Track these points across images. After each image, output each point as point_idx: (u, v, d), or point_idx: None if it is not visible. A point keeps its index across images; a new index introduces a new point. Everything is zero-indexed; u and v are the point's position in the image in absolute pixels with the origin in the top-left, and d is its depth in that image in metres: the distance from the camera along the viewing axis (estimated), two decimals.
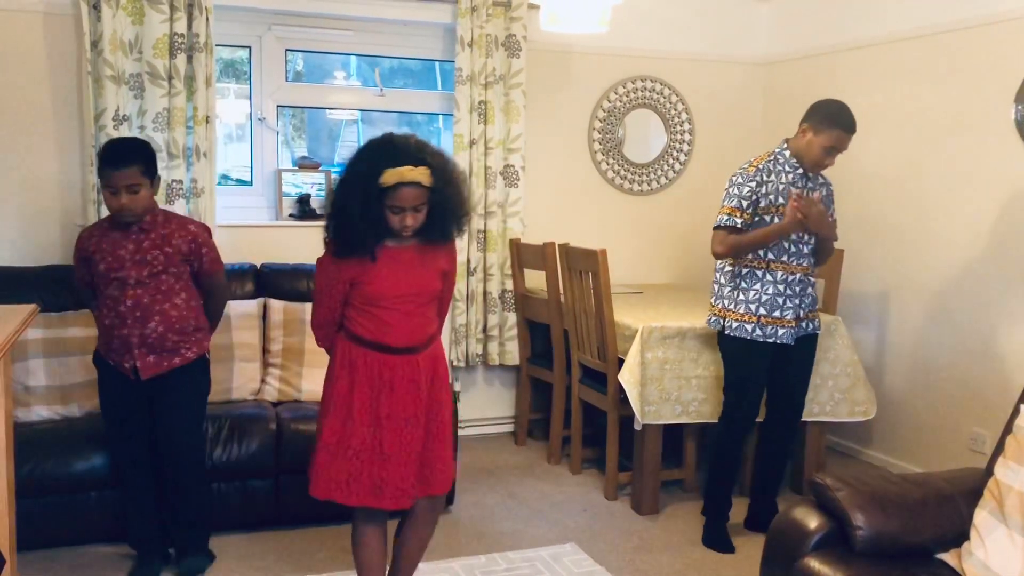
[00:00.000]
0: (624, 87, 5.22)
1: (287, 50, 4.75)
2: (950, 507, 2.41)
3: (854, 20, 4.78)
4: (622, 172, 5.28)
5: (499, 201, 4.80)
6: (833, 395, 4.05)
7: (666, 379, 3.82)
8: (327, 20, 4.67)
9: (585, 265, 4.08)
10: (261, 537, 3.58)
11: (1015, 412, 2.43)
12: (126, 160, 2.95)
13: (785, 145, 3.49)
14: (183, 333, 3.11)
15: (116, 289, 3.02)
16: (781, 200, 3.42)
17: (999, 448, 2.42)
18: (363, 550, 2.73)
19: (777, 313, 3.46)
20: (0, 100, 4.07)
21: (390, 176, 2.42)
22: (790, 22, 5.29)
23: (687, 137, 5.39)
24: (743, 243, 3.42)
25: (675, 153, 5.38)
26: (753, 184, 3.41)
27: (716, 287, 3.60)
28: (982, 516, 2.31)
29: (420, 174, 2.44)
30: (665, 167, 5.37)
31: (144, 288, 3.03)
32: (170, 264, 3.07)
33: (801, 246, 3.48)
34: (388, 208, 2.47)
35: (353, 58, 5.07)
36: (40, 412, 3.57)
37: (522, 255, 4.74)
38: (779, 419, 3.70)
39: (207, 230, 3.22)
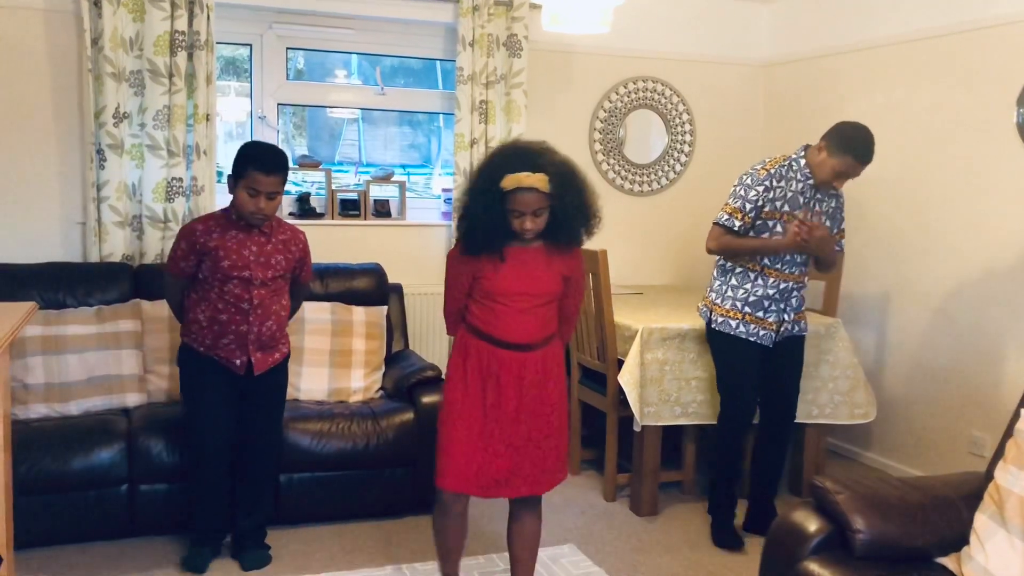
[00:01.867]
0: (625, 87, 5.22)
1: (288, 48, 4.74)
2: (950, 511, 2.40)
3: (856, 22, 4.77)
4: (623, 172, 5.28)
5: None
6: (833, 398, 4.04)
7: (666, 380, 3.82)
8: (328, 19, 4.67)
9: (585, 265, 4.06)
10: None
11: (1015, 416, 2.42)
12: (277, 168, 3.09)
13: (803, 153, 3.47)
14: (283, 331, 3.32)
15: (239, 287, 3.13)
16: (787, 207, 3.41)
17: (999, 452, 2.42)
18: (446, 529, 2.84)
19: (760, 314, 3.49)
20: (0, 97, 4.06)
21: (509, 181, 2.55)
22: (791, 24, 5.28)
23: (688, 138, 5.39)
24: (736, 247, 3.44)
25: (676, 154, 5.38)
26: (761, 188, 3.40)
27: (711, 280, 3.63)
28: (982, 520, 2.30)
29: (537, 180, 2.54)
30: (666, 168, 5.36)
31: (267, 289, 3.18)
32: (288, 268, 3.26)
33: (796, 255, 3.49)
34: (509, 211, 2.58)
35: (354, 57, 5.07)
36: (38, 410, 3.56)
37: None
38: (773, 422, 3.70)
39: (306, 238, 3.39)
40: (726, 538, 3.62)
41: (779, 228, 3.42)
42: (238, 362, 3.19)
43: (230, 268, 3.11)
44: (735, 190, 3.46)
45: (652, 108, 5.30)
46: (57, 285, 3.81)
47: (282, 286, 3.27)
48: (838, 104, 4.88)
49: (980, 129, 4.08)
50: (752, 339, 3.49)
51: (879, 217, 4.63)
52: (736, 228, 3.41)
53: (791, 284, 3.50)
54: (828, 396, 4.04)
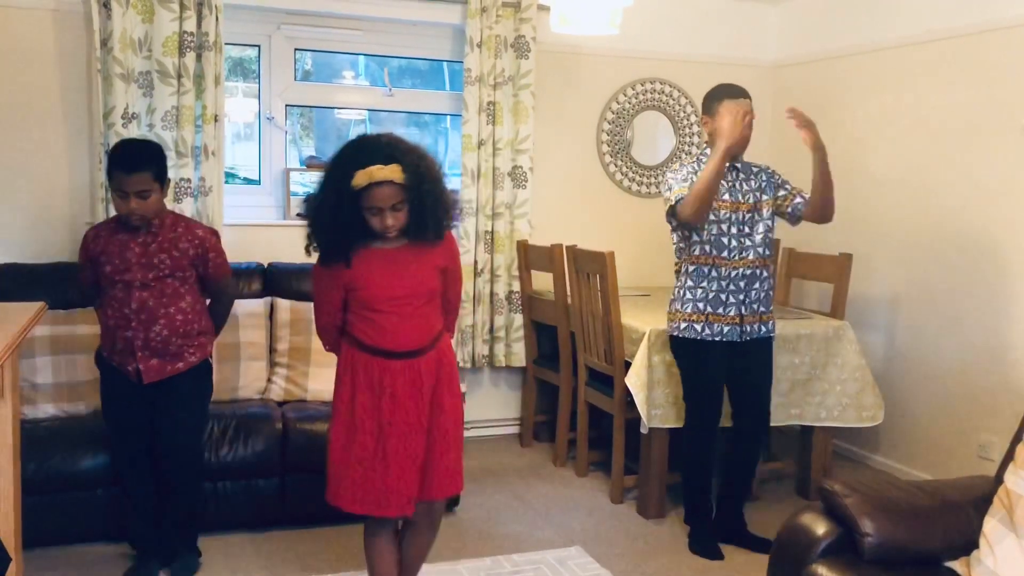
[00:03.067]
0: (633, 89, 5.21)
1: (296, 49, 4.75)
2: (959, 515, 2.39)
3: (864, 24, 4.76)
4: (630, 174, 5.27)
5: (507, 202, 4.80)
6: (841, 400, 4.03)
7: (673, 383, 3.81)
8: (336, 20, 4.67)
9: (592, 267, 4.07)
10: (266, 537, 3.58)
11: None
12: (138, 165, 2.93)
13: (705, 146, 3.54)
14: (187, 337, 3.11)
15: (122, 291, 3.02)
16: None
17: (1009, 456, 2.41)
18: (375, 556, 2.72)
19: (720, 310, 3.46)
20: (9, 97, 4.08)
21: (361, 177, 2.38)
22: (800, 25, 5.27)
23: (696, 140, 5.38)
24: (696, 190, 3.32)
25: (683, 155, 5.37)
26: (684, 171, 3.46)
27: (672, 294, 3.60)
28: (991, 524, 2.29)
29: (391, 172, 2.39)
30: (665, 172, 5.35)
31: (150, 291, 3.03)
32: (176, 268, 3.07)
33: (743, 239, 3.46)
34: (366, 210, 2.43)
35: (362, 58, 5.07)
36: (47, 409, 3.57)
37: (529, 256, 4.73)
38: (744, 429, 3.65)
39: (215, 234, 3.22)
40: (703, 546, 3.58)
41: (713, 217, 3.41)
42: (130, 368, 3.07)
43: (112, 272, 3.02)
44: (669, 181, 3.49)
45: (660, 109, 5.29)
46: (66, 285, 3.80)
47: (173, 287, 3.07)
48: (847, 106, 4.87)
49: (990, 131, 4.07)
50: (717, 339, 3.46)
51: (887, 219, 4.62)
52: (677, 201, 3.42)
53: (746, 271, 3.46)
54: (836, 399, 4.03)
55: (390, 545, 2.72)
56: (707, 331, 3.47)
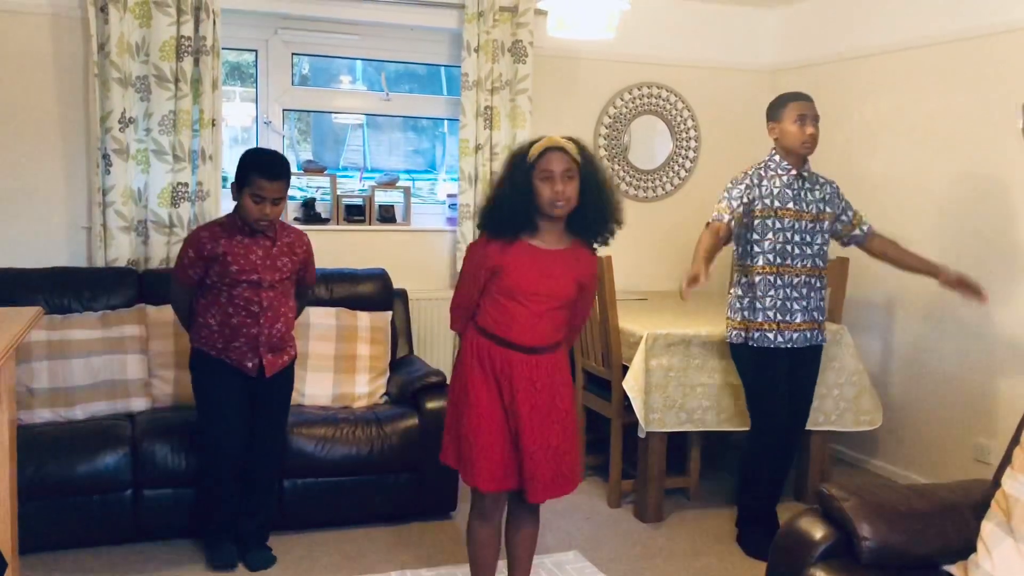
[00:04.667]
0: (630, 93, 5.22)
1: (293, 54, 4.75)
2: (957, 518, 2.39)
3: (861, 29, 4.77)
4: (628, 178, 5.27)
5: None
6: (839, 404, 4.03)
7: (671, 387, 3.81)
8: (334, 24, 4.68)
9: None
10: None
11: (1022, 423, 2.41)
12: (280, 174, 3.16)
13: (773, 151, 3.56)
14: (291, 334, 3.38)
15: (248, 290, 3.18)
16: (778, 203, 3.48)
17: (1006, 459, 2.41)
18: (479, 547, 2.81)
19: (788, 317, 3.50)
20: (7, 102, 4.08)
21: (537, 147, 2.61)
22: (797, 30, 5.28)
23: (693, 144, 5.39)
24: (698, 248, 3.39)
25: (680, 160, 5.38)
26: (743, 187, 3.48)
27: (734, 300, 3.62)
28: (989, 528, 2.29)
29: (565, 142, 2.61)
30: (671, 174, 5.36)
31: (275, 291, 3.25)
32: (293, 270, 3.32)
33: (804, 247, 3.50)
34: (540, 180, 2.57)
35: (359, 62, 5.07)
36: (43, 414, 3.56)
37: None
38: (788, 434, 3.69)
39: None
40: (760, 546, 3.52)
41: (778, 225, 3.46)
42: (250, 364, 3.24)
43: (239, 272, 3.17)
44: (721, 194, 3.53)
45: (657, 114, 5.30)
46: (62, 290, 3.81)
47: (288, 288, 3.33)
48: (844, 110, 4.87)
49: (987, 135, 4.07)
50: (788, 346, 3.51)
51: (885, 222, 4.60)
52: (726, 220, 3.45)
53: (808, 278, 3.52)
54: (834, 403, 4.03)
55: (497, 535, 2.83)
56: (779, 339, 3.50)
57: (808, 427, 4.03)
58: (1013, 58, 3.93)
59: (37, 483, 3.25)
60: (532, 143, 2.66)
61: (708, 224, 3.49)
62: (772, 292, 3.50)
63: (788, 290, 3.50)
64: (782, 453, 3.73)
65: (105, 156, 4.06)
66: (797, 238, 3.48)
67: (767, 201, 3.47)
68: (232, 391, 3.26)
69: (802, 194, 3.51)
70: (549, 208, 2.60)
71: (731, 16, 5.36)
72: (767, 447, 3.64)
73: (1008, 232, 3.98)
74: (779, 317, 3.49)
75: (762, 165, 3.55)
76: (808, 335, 3.56)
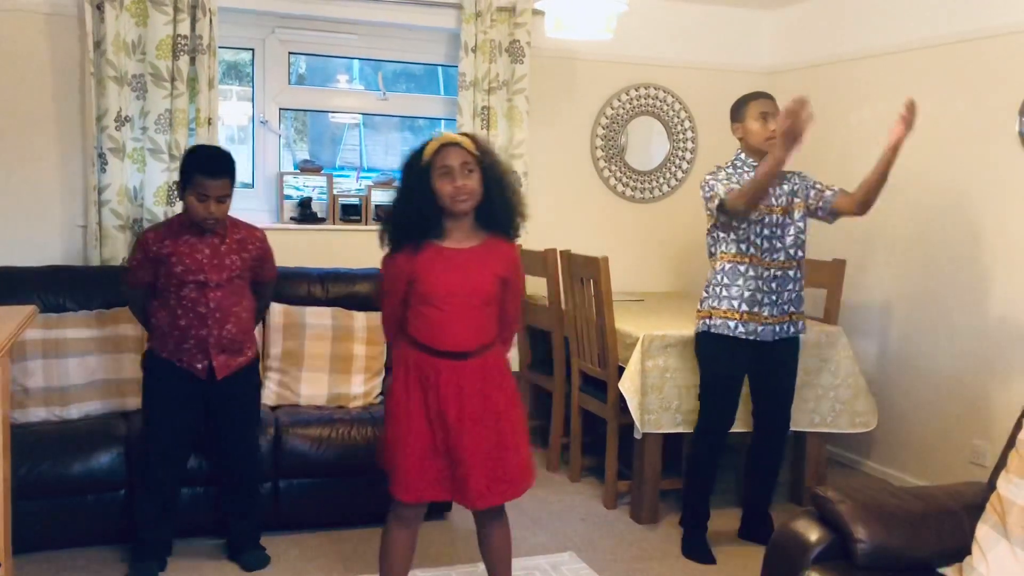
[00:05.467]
0: (627, 94, 5.22)
1: (290, 53, 4.75)
2: (952, 521, 2.39)
3: (858, 31, 4.78)
4: (624, 179, 5.27)
5: None
6: (834, 406, 4.03)
7: (667, 388, 3.81)
8: (331, 23, 4.67)
9: (586, 272, 4.07)
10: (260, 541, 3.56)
11: (1018, 426, 2.41)
12: (222, 171, 3.09)
13: (739, 151, 3.56)
14: (247, 333, 3.28)
15: (195, 291, 3.11)
16: None
17: (1002, 462, 2.41)
18: (390, 553, 2.76)
19: (756, 309, 3.47)
20: (2, 100, 4.06)
21: (431, 145, 2.56)
22: (794, 32, 5.28)
23: (690, 145, 5.39)
24: (756, 181, 3.25)
25: (677, 161, 5.38)
26: (723, 175, 3.47)
27: (703, 292, 3.60)
28: (984, 531, 2.30)
29: (461, 138, 2.58)
30: (667, 175, 5.36)
31: (223, 291, 3.16)
32: (244, 268, 3.23)
33: (774, 241, 3.48)
34: (439, 178, 2.53)
35: (356, 62, 5.07)
36: (38, 413, 3.55)
37: (523, 261, 4.71)
38: (767, 431, 3.68)
39: (267, 238, 3.37)
40: (696, 550, 3.59)
41: (752, 216, 3.44)
42: (200, 366, 3.16)
43: (184, 273, 3.11)
44: (710, 184, 3.47)
45: (654, 115, 5.30)
46: (57, 288, 3.80)
47: (240, 287, 3.24)
48: (841, 112, 4.88)
49: (983, 138, 4.08)
50: (751, 337, 3.47)
51: (881, 225, 4.63)
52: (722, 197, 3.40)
53: (777, 271, 3.49)
54: (829, 405, 4.03)
55: (408, 541, 2.78)
56: (741, 329, 3.47)
57: (803, 429, 4.04)
58: (1010, 61, 3.94)
59: (31, 482, 3.24)
60: (424, 144, 2.61)
61: (725, 199, 3.36)
62: (740, 282, 3.47)
63: (759, 282, 3.46)
64: (768, 451, 3.70)
65: (101, 155, 4.05)
66: (766, 231, 3.47)
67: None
68: (180, 395, 3.19)
69: (772, 189, 3.49)
70: (452, 204, 2.55)
71: (728, 18, 5.37)
72: (712, 447, 3.60)
73: (1005, 234, 3.98)
74: (744, 308, 3.46)
75: (729, 164, 3.54)
76: (778, 329, 3.52)
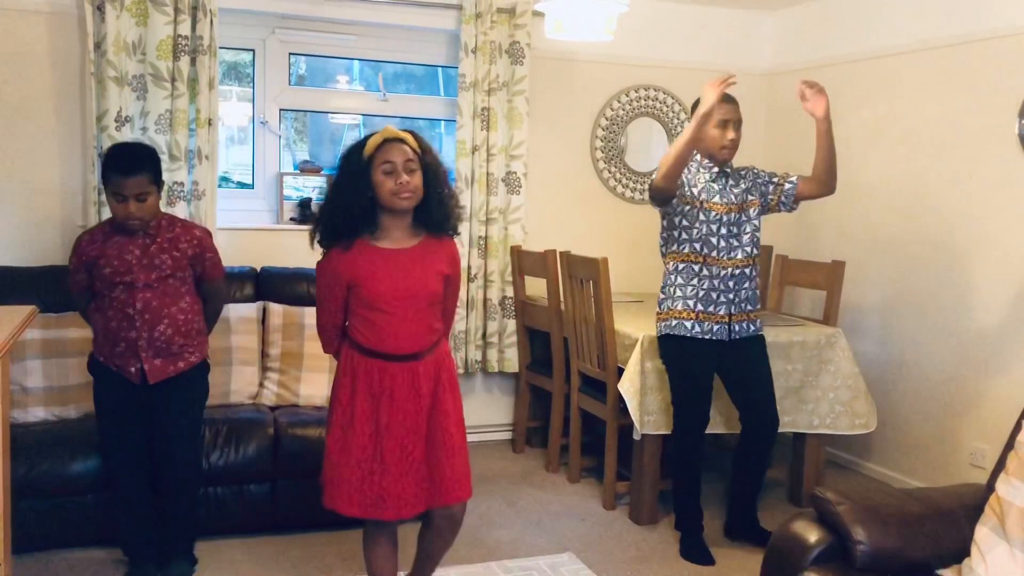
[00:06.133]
0: (627, 96, 5.22)
1: (290, 54, 4.75)
2: (951, 523, 2.39)
3: (858, 33, 4.78)
4: (624, 180, 5.28)
5: (500, 208, 4.80)
6: (833, 407, 4.04)
7: (666, 389, 3.80)
8: (331, 24, 4.67)
9: (586, 273, 4.07)
10: (258, 542, 3.57)
11: (1017, 428, 2.41)
12: (136, 168, 2.93)
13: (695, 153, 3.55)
14: (188, 336, 3.12)
15: (123, 293, 3.01)
16: (704, 196, 3.48)
17: (1000, 464, 2.41)
18: (374, 559, 2.72)
19: (711, 308, 3.48)
20: (2, 100, 4.06)
21: (373, 140, 2.50)
22: (794, 34, 5.29)
23: None
24: (668, 155, 3.33)
25: None
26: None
27: (661, 292, 3.62)
28: (983, 533, 2.30)
29: (404, 134, 2.53)
30: None
31: (153, 291, 3.03)
32: (177, 268, 3.08)
33: (732, 240, 3.49)
34: (382, 175, 2.48)
35: (356, 63, 5.07)
36: (37, 413, 3.55)
37: (523, 262, 4.73)
38: (754, 431, 3.66)
39: (209, 234, 3.24)
40: (694, 552, 3.59)
41: (702, 217, 3.46)
42: (132, 370, 3.06)
43: (112, 275, 3.01)
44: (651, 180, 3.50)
45: (654, 116, 5.30)
46: (57, 288, 3.79)
47: (174, 287, 3.09)
48: (840, 114, 4.87)
49: (982, 140, 4.08)
50: (707, 336, 3.48)
51: (880, 227, 4.64)
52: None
53: (735, 270, 3.49)
54: (828, 406, 4.03)
55: (389, 548, 2.73)
56: (697, 329, 3.48)
57: (802, 430, 4.04)
58: (1009, 62, 3.94)
59: (31, 482, 3.24)
60: (365, 139, 2.53)
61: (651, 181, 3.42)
62: (695, 281, 3.48)
63: (715, 281, 3.48)
64: (754, 450, 3.68)
65: (101, 155, 4.05)
66: (724, 231, 3.48)
67: (694, 191, 3.47)
68: (119, 399, 3.11)
69: (727, 189, 3.52)
70: (394, 201, 2.49)
71: (728, 19, 5.37)
72: (691, 448, 3.59)
73: (1005, 236, 3.99)
74: (700, 307, 3.47)
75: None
76: (737, 328, 3.53)
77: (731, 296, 3.50)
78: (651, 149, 5.33)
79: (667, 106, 5.31)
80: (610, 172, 5.24)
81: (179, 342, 3.10)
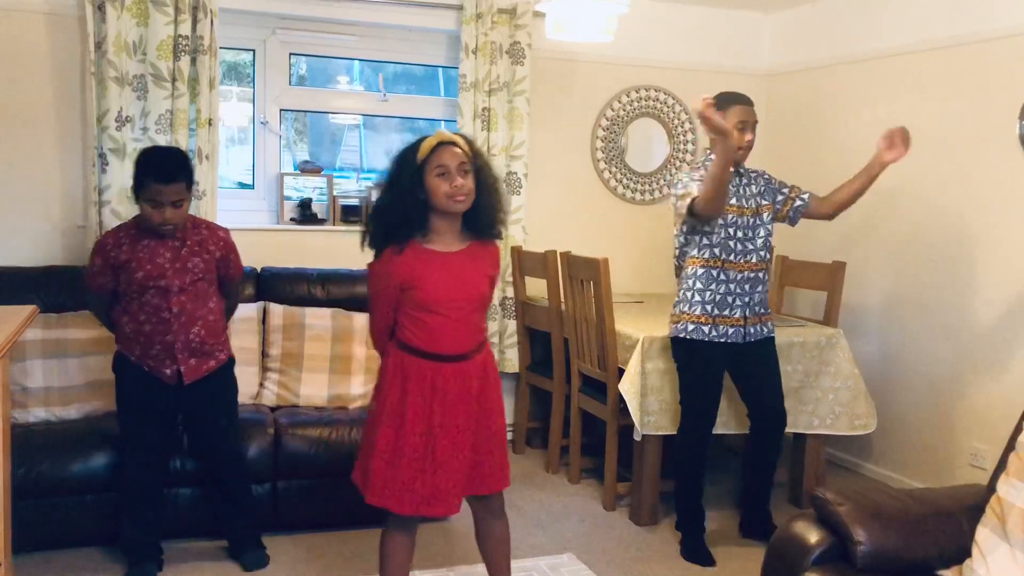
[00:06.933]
0: (628, 96, 5.22)
1: (291, 54, 4.75)
2: (951, 524, 2.39)
3: (858, 33, 4.78)
4: (624, 181, 5.28)
5: None
6: (833, 408, 4.03)
7: (666, 390, 3.81)
8: (331, 25, 4.67)
9: (586, 274, 4.07)
10: None
11: (1018, 429, 2.41)
12: (175, 176, 2.99)
13: (708, 152, 3.56)
14: (216, 335, 3.20)
15: (157, 296, 3.05)
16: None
17: (1001, 465, 2.41)
18: (392, 553, 2.74)
19: (727, 312, 3.49)
20: (3, 100, 4.06)
21: (426, 144, 2.52)
22: (794, 34, 5.29)
23: (690, 147, 5.39)
24: (707, 184, 3.30)
25: (677, 163, 5.38)
26: (696, 175, 3.45)
27: (676, 297, 3.62)
28: (984, 533, 2.30)
29: (457, 137, 2.55)
30: (668, 176, 5.36)
31: (187, 295, 3.09)
32: (208, 270, 3.15)
33: (747, 243, 3.50)
34: (436, 177, 2.50)
35: (356, 63, 5.07)
36: (38, 414, 3.55)
37: (523, 262, 4.73)
38: (762, 430, 3.68)
39: (230, 233, 3.30)
40: (695, 553, 3.59)
41: (720, 220, 3.46)
42: (168, 372, 3.11)
43: (144, 279, 3.03)
44: (682, 182, 3.48)
45: (654, 117, 5.30)
46: (58, 289, 3.80)
47: (205, 289, 3.15)
48: (840, 115, 4.88)
49: (982, 141, 4.08)
50: (722, 340, 3.49)
51: (881, 227, 4.63)
52: (694, 197, 3.39)
53: (751, 274, 3.51)
54: (828, 407, 4.03)
55: (410, 545, 2.76)
56: (714, 332, 3.49)
57: (803, 431, 4.04)
58: (1010, 64, 3.94)
59: (31, 483, 3.24)
60: (418, 142, 2.55)
61: (690, 201, 3.38)
62: (713, 286, 3.49)
63: (731, 285, 3.49)
64: (764, 450, 3.71)
65: (101, 155, 4.05)
66: (740, 234, 3.49)
67: None
68: (150, 398, 3.14)
69: (741, 190, 3.53)
70: (449, 204, 2.51)
71: (728, 20, 5.37)
72: (696, 450, 3.60)
73: (1005, 237, 3.99)
74: (716, 311, 3.48)
75: (701, 165, 3.53)
76: (752, 331, 3.54)
77: (746, 299, 3.52)
78: (651, 149, 5.33)
79: (667, 106, 5.31)
80: (610, 172, 5.24)
81: (210, 342, 3.17)
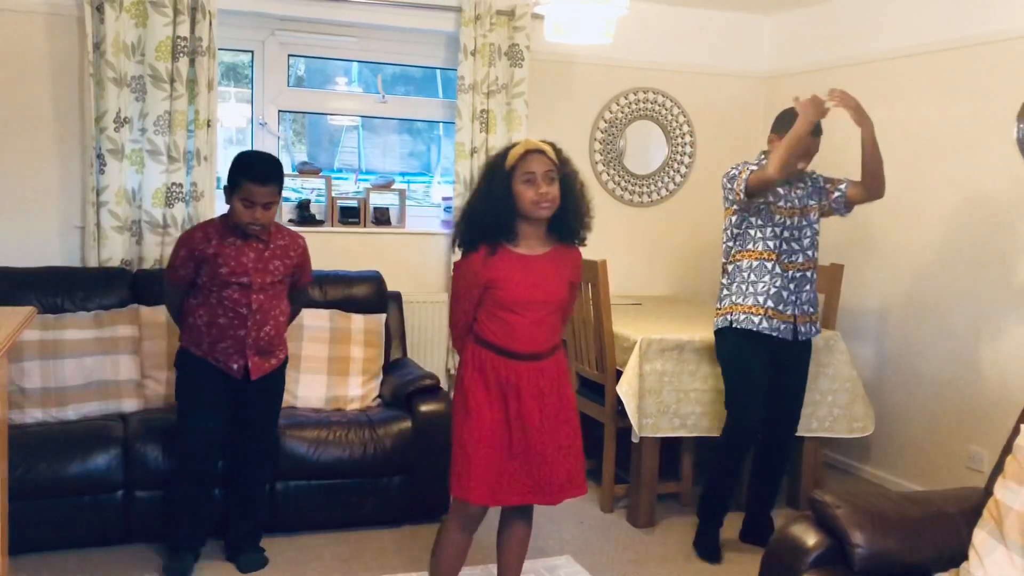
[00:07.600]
0: (626, 98, 5.22)
1: (289, 55, 4.75)
2: (949, 526, 2.39)
3: (857, 36, 4.79)
4: (623, 183, 5.28)
5: None
6: (832, 411, 4.03)
7: (664, 392, 3.81)
8: (330, 26, 4.67)
9: (584, 276, 4.06)
10: None
11: (1015, 432, 2.41)
12: (270, 178, 3.10)
13: (763, 156, 3.55)
14: (280, 336, 3.33)
15: (237, 292, 3.15)
16: (772, 198, 3.48)
17: (998, 468, 2.41)
18: (447, 545, 2.78)
19: (781, 307, 3.50)
20: (1, 100, 4.06)
21: (515, 151, 2.61)
22: (793, 37, 5.29)
23: (688, 149, 5.39)
24: (784, 146, 3.32)
25: (676, 165, 5.38)
26: (754, 167, 3.46)
27: (722, 290, 3.61)
28: (981, 536, 2.30)
29: (545, 145, 2.64)
30: (666, 179, 5.37)
31: (266, 294, 3.21)
32: (286, 273, 3.28)
33: (793, 243, 3.51)
34: (522, 184, 2.57)
35: (355, 64, 5.07)
36: (35, 414, 3.54)
37: None
38: (776, 432, 3.69)
39: (305, 240, 3.41)
40: (709, 548, 3.60)
41: (773, 219, 3.47)
42: (235, 366, 3.21)
43: (229, 274, 3.14)
44: (727, 177, 3.50)
45: (652, 119, 5.31)
46: (56, 289, 3.80)
47: (280, 291, 3.29)
48: (840, 117, 4.87)
49: (980, 143, 4.09)
50: (774, 334, 3.48)
51: (879, 230, 4.64)
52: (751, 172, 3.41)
53: (796, 273, 3.52)
54: (827, 409, 4.03)
55: (468, 541, 2.80)
56: (765, 324, 3.48)
57: (801, 433, 4.03)
58: (1009, 67, 3.95)
59: (28, 483, 3.23)
60: (508, 149, 2.66)
61: (752, 174, 3.40)
62: (767, 278, 3.49)
63: (784, 280, 3.49)
64: (775, 455, 3.73)
65: (99, 156, 4.05)
66: (787, 234, 3.51)
67: (764, 192, 3.48)
68: (213, 392, 3.23)
69: (791, 192, 3.54)
70: (534, 210, 2.60)
71: (727, 22, 5.38)
72: (741, 444, 3.59)
73: (1003, 240, 3.99)
74: (770, 304, 3.48)
75: (756, 162, 3.54)
76: (802, 328, 3.55)
77: (795, 298, 3.53)
78: (650, 152, 5.33)
79: (666, 109, 5.31)
80: (608, 175, 5.24)
81: (276, 342, 3.29)
